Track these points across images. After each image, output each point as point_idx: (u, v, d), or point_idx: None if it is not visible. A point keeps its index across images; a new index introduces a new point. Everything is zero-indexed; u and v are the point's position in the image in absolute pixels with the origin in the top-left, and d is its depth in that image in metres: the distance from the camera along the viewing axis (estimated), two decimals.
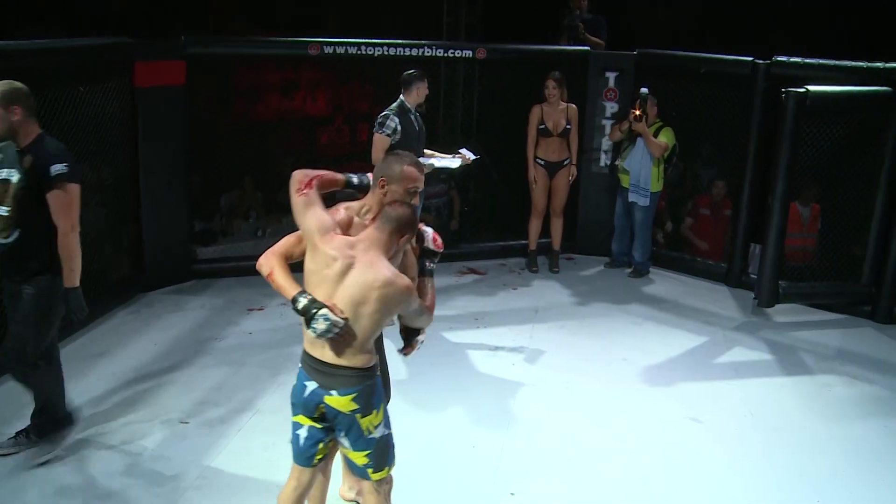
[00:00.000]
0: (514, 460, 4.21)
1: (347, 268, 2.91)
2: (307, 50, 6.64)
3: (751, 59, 6.58)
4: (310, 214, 3.01)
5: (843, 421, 4.78)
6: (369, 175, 3.24)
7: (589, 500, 3.91)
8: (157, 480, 3.89)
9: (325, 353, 2.96)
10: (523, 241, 7.38)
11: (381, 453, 3.12)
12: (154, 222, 6.24)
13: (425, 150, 6.02)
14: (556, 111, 6.89)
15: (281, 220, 8.01)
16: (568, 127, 6.90)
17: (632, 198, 6.98)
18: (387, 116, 5.70)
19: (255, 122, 8.13)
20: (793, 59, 6.34)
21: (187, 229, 6.58)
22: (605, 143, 7.46)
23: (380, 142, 5.65)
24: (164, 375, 4.97)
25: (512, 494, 3.92)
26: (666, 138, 6.84)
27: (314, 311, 2.86)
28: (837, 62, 6.16)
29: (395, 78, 6.09)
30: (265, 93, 8.53)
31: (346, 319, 2.89)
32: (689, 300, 6.69)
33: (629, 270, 7.24)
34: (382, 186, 3.10)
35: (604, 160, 7.49)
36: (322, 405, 3.01)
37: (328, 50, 6.67)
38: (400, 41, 6.91)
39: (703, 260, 7.31)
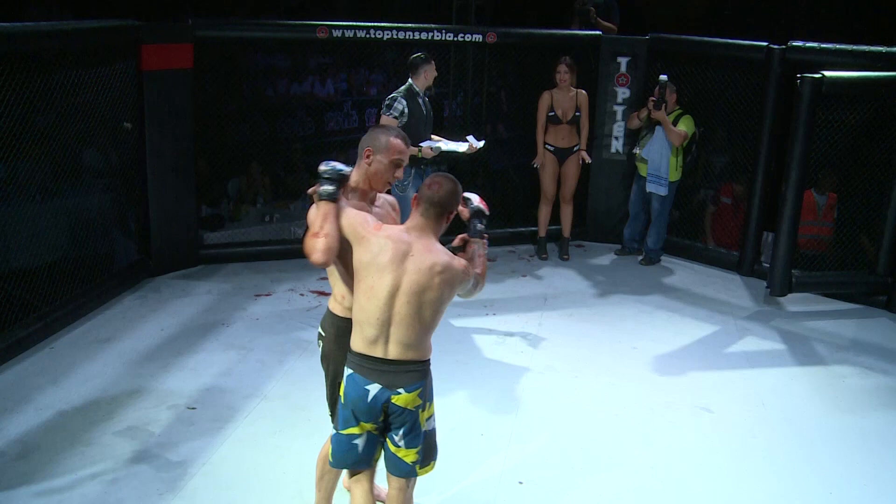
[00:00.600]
0: (523, 449, 4.20)
1: (405, 255, 2.90)
2: (316, 33, 6.60)
3: (765, 43, 6.51)
4: (344, 217, 2.97)
5: (856, 412, 4.75)
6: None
7: (598, 490, 3.90)
8: (164, 466, 3.89)
9: (389, 351, 2.91)
10: (533, 228, 7.35)
11: (430, 447, 3.11)
12: (161, 207, 6.23)
13: (433, 135, 6.02)
14: (566, 97, 6.84)
15: (289, 205, 8.02)
16: (577, 114, 6.85)
17: (650, 188, 6.92)
18: (394, 99, 5.77)
19: (262, 106, 8.11)
20: (808, 44, 6.27)
21: (194, 214, 6.57)
22: (617, 129, 7.41)
23: (386, 124, 5.65)
24: (171, 361, 4.97)
25: (520, 483, 3.91)
26: (686, 126, 6.78)
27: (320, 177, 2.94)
28: (854, 47, 6.07)
29: (405, 62, 6.07)
30: (273, 77, 8.51)
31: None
32: (701, 289, 6.65)
33: (640, 258, 7.21)
34: (368, 157, 3.08)
35: (615, 146, 7.44)
36: (387, 405, 2.94)
37: (337, 33, 6.63)
38: (409, 25, 6.87)
39: (715, 248, 7.27)
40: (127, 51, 5.82)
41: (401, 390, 2.92)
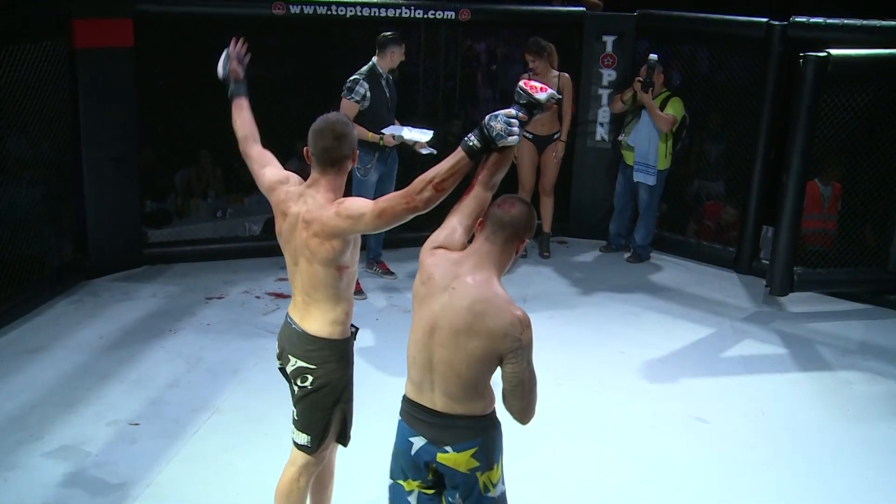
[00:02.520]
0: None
1: (446, 286, 2.60)
2: (272, 10, 6.56)
3: (765, 19, 6.54)
4: (444, 224, 2.76)
5: (864, 421, 4.78)
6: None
7: None
8: (101, 490, 3.83)
9: (436, 400, 2.64)
10: None
11: None
12: (99, 201, 6.15)
13: (396, 121, 6.02)
14: (547, 80, 6.83)
15: (243, 199, 7.96)
16: (560, 97, 6.84)
17: (637, 177, 6.93)
18: (356, 81, 5.81)
19: (213, 90, 8.02)
20: (813, 20, 6.29)
21: (137, 209, 6.51)
22: (602, 115, 7.42)
23: (347, 108, 5.77)
24: (111, 372, 4.91)
25: None
26: (674, 110, 6.80)
27: (495, 123, 2.68)
28: (864, 21, 6.11)
29: (372, 42, 6.05)
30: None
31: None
32: (695, 288, 6.68)
33: (628, 255, 7.23)
34: (353, 161, 3.07)
35: (600, 133, 7.45)
36: (433, 464, 2.69)
37: (295, 10, 6.60)
38: (375, 1, 6.84)
39: (709, 244, 7.30)
40: (56, 26, 5.74)
41: (448, 448, 2.64)
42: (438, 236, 2.73)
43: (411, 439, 2.70)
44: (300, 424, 3.21)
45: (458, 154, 2.74)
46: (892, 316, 6.26)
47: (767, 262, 6.39)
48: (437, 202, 2.79)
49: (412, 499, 2.77)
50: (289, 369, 3.18)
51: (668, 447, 4.43)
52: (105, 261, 6.28)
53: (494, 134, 2.67)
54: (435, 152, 5.87)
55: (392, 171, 6.18)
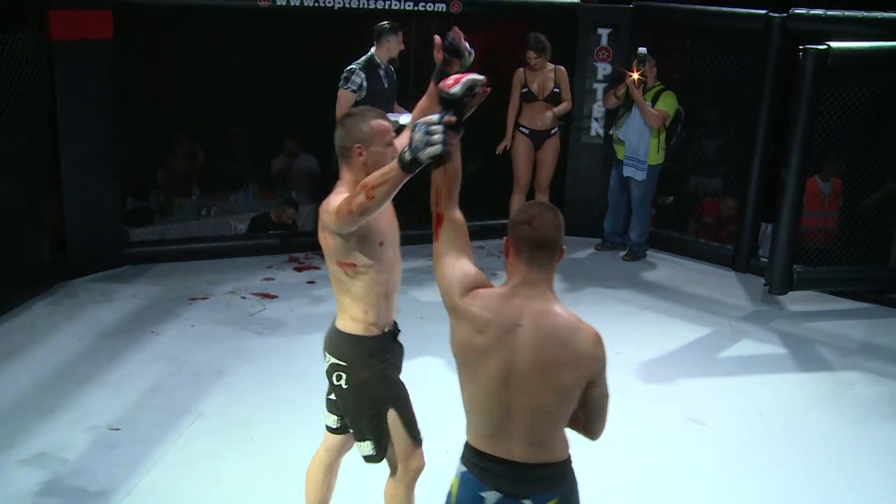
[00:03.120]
0: None
1: (511, 328, 2.39)
2: (256, 1, 6.53)
3: (764, 11, 6.53)
4: (444, 264, 2.53)
5: (865, 423, 4.77)
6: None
7: None
8: (79, 498, 3.79)
9: (514, 450, 2.44)
10: (504, 221, 7.30)
11: None
12: (78, 198, 6.11)
13: (398, 108, 6.11)
14: (543, 72, 6.82)
15: (228, 197, 7.94)
16: (556, 91, 6.83)
17: (627, 172, 6.93)
18: (352, 71, 5.93)
19: (196, 84, 7.99)
20: (813, 12, 6.29)
21: (118, 207, 6.48)
22: (597, 110, 7.41)
23: (344, 98, 5.89)
24: (91, 376, 4.87)
25: None
26: (666, 105, 6.78)
27: (415, 134, 2.50)
28: (864, 14, 6.11)
29: (359, 35, 6.05)
30: (208, 51, 8.38)
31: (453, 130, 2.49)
32: (692, 287, 6.68)
33: (623, 253, 7.22)
34: (360, 154, 2.99)
35: (595, 129, 7.44)
36: None
37: (281, 1, 6.56)
38: None
39: (707, 242, 7.29)
40: (32, 17, 5.69)
41: (527, 501, 2.46)
42: (462, 279, 2.50)
43: (483, 494, 2.48)
44: (357, 434, 3.20)
45: (393, 164, 2.66)
46: (894, 315, 6.26)
47: (766, 261, 6.39)
48: (369, 211, 2.76)
49: None
50: (325, 367, 3.22)
51: (664, 449, 4.42)
52: (84, 260, 6.24)
53: (413, 146, 2.50)
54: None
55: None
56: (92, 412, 4.48)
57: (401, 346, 3.26)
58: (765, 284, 6.25)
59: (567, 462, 2.53)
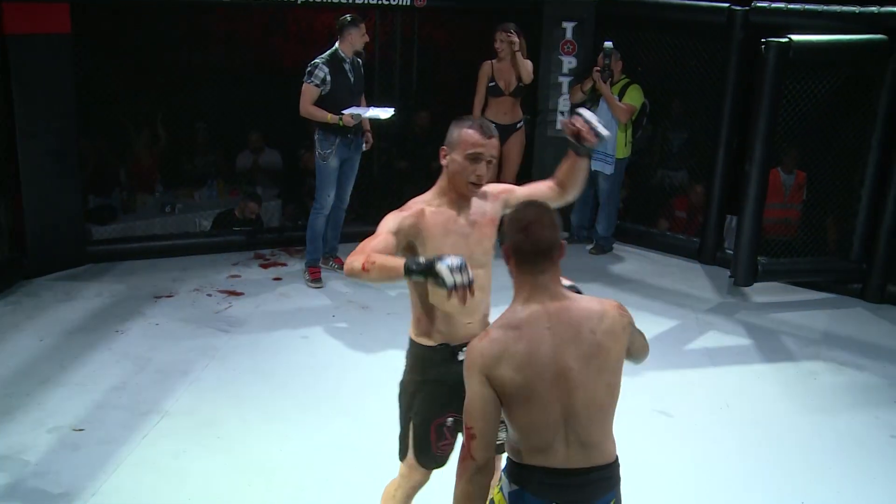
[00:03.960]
0: None
1: (543, 335, 2.41)
2: None
3: (727, 5, 6.58)
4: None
5: (829, 412, 4.83)
6: None
7: None
8: (41, 500, 3.74)
9: (571, 457, 2.42)
10: None
11: None
12: (37, 196, 6.03)
13: (365, 102, 6.09)
14: (509, 67, 6.82)
15: (193, 193, 7.87)
16: (521, 85, 6.84)
17: (595, 166, 6.95)
18: (316, 65, 5.92)
19: (159, 79, 7.92)
20: (774, 5, 6.35)
21: (79, 204, 6.39)
22: (563, 104, 7.42)
23: (307, 92, 5.91)
24: (52, 375, 4.81)
25: None
26: (633, 99, 6.83)
27: (433, 263, 2.51)
28: (825, 7, 6.17)
29: (324, 29, 6.03)
30: (172, 46, 8.30)
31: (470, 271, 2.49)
32: (658, 279, 6.72)
33: (590, 246, 7.25)
34: (443, 156, 2.97)
35: (560, 122, 7.45)
36: None
37: None
38: None
39: (673, 234, 7.35)
40: None
41: None
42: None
43: None
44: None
45: (399, 266, 2.61)
46: (855, 305, 6.35)
47: (731, 253, 6.45)
48: (360, 278, 2.70)
49: None
50: None
51: (631, 441, 4.39)
52: (45, 259, 6.16)
53: (440, 280, 2.52)
54: (392, 112, 6.05)
55: (354, 160, 6.22)
56: (55, 412, 4.43)
57: (458, 365, 2.81)
58: (730, 276, 6.31)
59: (616, 463, 2.54)
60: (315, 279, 6.26)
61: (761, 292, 6.41)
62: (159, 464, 4.05)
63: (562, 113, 7.40)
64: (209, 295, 6.04)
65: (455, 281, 2.48)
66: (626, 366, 5.40)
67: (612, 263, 7.04)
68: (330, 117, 5.88)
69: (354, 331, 5.56)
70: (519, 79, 6.82)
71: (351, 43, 5.97)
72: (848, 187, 6.38)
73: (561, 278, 2.54)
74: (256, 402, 4.63)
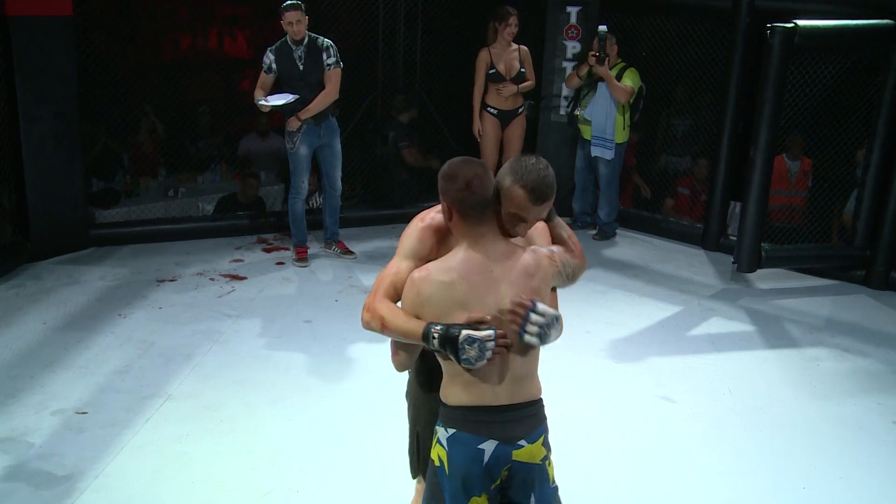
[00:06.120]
0: None
1: (486, 274, 2.54)
2: None
3: None
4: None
5: (832, 398, 4.83)
6: None
7: None
8: (46, 482, 3.75)
9: (501, 394, 2.55)
10: None
11: (555, 494, 2.72)
12: (40, 180, 6.04)
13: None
14: (507, 52, 6.80)
15: (196, 178, 7.86)
16: (522, 70, 6.82)
17: (595, 151, 6.95)
18: (265, 52, 6.04)
19: (161, 63, 7.90)
20: None
21: (82, 188, 6.39)
22: (566, 89, 7.40)
23: (260, 78, 6.05)
24: (56, 359, 4.82)
25: None
26: (630, 81, 6.80)
27: (455, 334, 2.46)
28: None
29: (324, 13, 5.99)
30: (173, 29, 8.29)
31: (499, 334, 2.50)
32: (661, 265, 6.71)
33: (593, 232, 7.24)
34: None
35: (564, 108, 7.44)
36: (508, 467, 2.57)
37: None
38: None
39: (676, 220, 7.33)
40: None
41: (523, 442, 2.56)
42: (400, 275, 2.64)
43: (481, 446, 2.54)
44: None
45: (418, 333, 2.52)
46: (859, 291, 6.34)
47: (735, 239, 6.44)
48: (375, 331, 2.64)
49: None
50: None
51: (634, 427, 4.45)
52: (48, 242, 6.17)
53: (463, 358, 2.47)
54: (293, 99, 5.95)
55: (332, 143, 6.23)
56: (58, 395, 4.44)
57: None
58: (733, 262, 6.30)
59: (542, 400, 2.66)
60: (300, 258, 6.36)
61: (764, 278, 6.41)
62: (162, 447, 4.05)
63: (566, 98, 7.37)
64: (212, 279, 6.04)
65: (475, 358, 2.47)
66: (629, 351, 5.45)
67: (616, 249, 7.03)
68: (257, 102, 6.00)
69: (357, 315, 5.48)
70: (521, 65, 6.79)
71: (288, 28, 5.91)
72: (853, 173, 6.37)
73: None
74: (259, 385, 4.64)
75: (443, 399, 2.62)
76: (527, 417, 2.59)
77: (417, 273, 2.56)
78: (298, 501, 3.72)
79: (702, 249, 7.02)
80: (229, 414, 4.36)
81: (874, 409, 4.73)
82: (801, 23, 5.67)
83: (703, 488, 3.97)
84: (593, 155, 6.97)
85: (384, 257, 6.56)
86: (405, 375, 3.08)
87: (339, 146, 6.25)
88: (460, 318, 2.49)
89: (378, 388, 4.62)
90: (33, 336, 5.08)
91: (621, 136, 6.89)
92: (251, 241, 6.82)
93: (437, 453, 2.62)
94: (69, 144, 6.12)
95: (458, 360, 2.47)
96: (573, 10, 7.31)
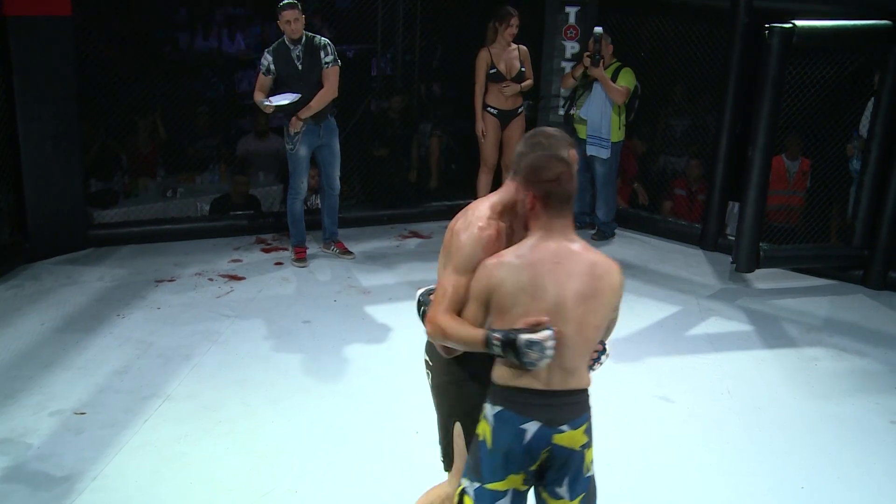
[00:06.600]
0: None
1: (555, 265, 2.63)
2: None
3: None
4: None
5: (831, 398, 4.83)
6: None
7: None
8: (44, 483, 3.74)
9: (552, 379, 2.64)
10: (472, 201, 7.29)
11: (591, 497, 2.82)
12: (39, 180, 6.03)
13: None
14: (507, 52, 6.80)
15: (194, 178, 7.85)
16: (522, 70, 6.82)
17: (590, 150, 6.94)
18: (263, 54, 6.02)
19: (160, 63, 7.89)
20: None
21: (80, 188, 6.37)
22: (565, 90, 7.40)
23: (258, 79, 6.04)
24: (55, 359, 4.81)
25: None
26: (626, 81, 6.80)
27: (515, 338, 2.55)
28: None
29: (328, 11, 5.98)
30: (172, 29, 8.29)
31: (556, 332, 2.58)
32: (660, 265, 6.71)
33: (592, 232, 7.24)
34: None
35: (561, 108, 7.43)
36: (548, 449, 2.67)
37: None
38: None
39: (675, 220, 7.33)
40: None
41: (565, 427, 2.66)
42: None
43: (523, 426, 2.64)
44: (439, 434, 3.06)
45: (479, 340, 2.61)
46: (857, 291, 6.34)
47: (733, 238, 6.44)
48: (438, 342, 2.75)
49: (505, 501, 2.70)
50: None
51: (633, 427, 4.44)
52: (46, 243, 6.15)
53: (526, 361, 2.55)
54: (296, 98, 5.93)
55: (331, 143, 6.21)
56: (57, 396, 4.43)
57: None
58: (732, 262, 6.29)
59: (588, 390, 2.75)
60: (299, 259, 6.36)
61: (763, 278, 6.41)
62: (161, 447, 4.05)
63: (564, 98, 7.37)
64: (211, 279, 6.03)
65: (537, 359, 2.56)
66: (627, 352, 5.44)
67: (614, 249, 7.03)
68: (260, 104, 5.99)
69: (356, 315, 5.55)
70: (521, 64, 6.80)
71: (285, 28, 5.90)
72: (849, 173, 6.38)
73: None
74: (258, 386, 4.63)
75: (493, 379, 2.71)
76: (572, 404, 2.69)
77: (490, 260, 2.64)
78: (298, 502, 3.71)
79: (700, 249, 7.02)
80: (228, 414, 4.35)
81: (872, 408, 4.73)
82: (799, 23, 5.67)
83: (702, 488, 3.98)
84: (588, 154, 6.97)
85: (383, 258, 6.57)
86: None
87: (337, 146, 6.25)
88: (527, 305, 2.59)
89: (377, 387, 4.62)
90: (32, 336, 5.07)
91: (617, 134, 6.89)
92: (250, 241, 6.81)
93: (482, 428, 2.73)
94: (68, 145, 6.11)
95: (522, 364, 2.57)
96: (572, 11, 7.31)
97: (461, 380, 2.90)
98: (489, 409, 2.70)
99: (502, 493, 2.70)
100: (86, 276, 5.98)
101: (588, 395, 2.74)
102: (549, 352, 2.55)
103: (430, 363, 2.99)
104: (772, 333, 5.62)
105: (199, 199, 7.53)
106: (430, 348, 2.98)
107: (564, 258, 2.63)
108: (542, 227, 2.65)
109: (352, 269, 6.31)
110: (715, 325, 5.71)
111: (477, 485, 2.71)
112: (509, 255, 2.64)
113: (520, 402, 2.65)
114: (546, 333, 2.55)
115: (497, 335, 2.57)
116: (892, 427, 4.56)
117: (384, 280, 6.10)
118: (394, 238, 7.05)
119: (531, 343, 2.53)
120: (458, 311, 2.69)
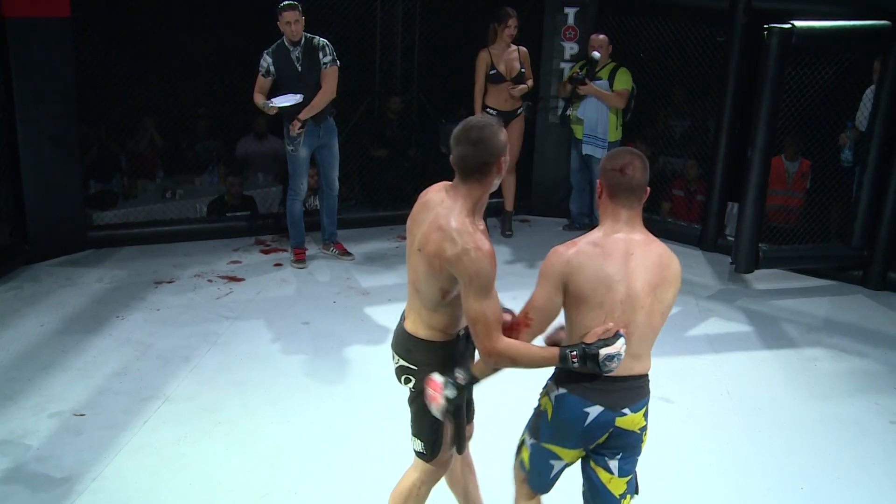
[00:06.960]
0: None
1: (627, 257, 2.76)
2: None
3: None
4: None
5: (830, 399, 4.83)
6: None
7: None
8: (43, 485, 3.75)
9: (619, 366, 2.75)
10: None
11: (635, 477, 2.99)
12: (38, 181, 6.03)
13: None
14: (507, 53, 6.80)
15: (194, 179, 7.85)
16: (522, 70, 6.82)
17: (587, 150, 6.95)
18: (262, 55, 5.99)
19: (160, 63, 7.87)
20: None
21: (80, 190, 6.38)
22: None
23: (257, 80, 6.02)
24: (54, 361, 4.81)
25: None
26: (624, 82, 6.80)
27: (594, 352, 2.68)
28: None
29: (327, 13, 5.97)
30: (171, 28, 8.26)
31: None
32: None
33: None
34: (502, 167, 2.86)
35: (560, 110, 7.44)
36: (610, 431, 2.82)
37: None
38: None
39: (674, 221, 7.33)
40: None
41: (626, 410, 2.80)
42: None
43: (587, 409, 2.77)
44: (413, 429, 3.12)
45: (555, 359, 2.77)
46: (856, 292, 6.35)
47: (732, 239, 6.44)
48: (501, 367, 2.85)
49: (558, 465, 2.92)
50: (394, 366, 3.09)
51: None
52: (46, 244, 6.15)
53: (605, 370, 2.71)
54: (300, 99, 5.93)
55: (331, 144, 6.22)
56: (56, 397, 4.43)
57: (472, 346, 2.98)
58: (731, 263, 6.29)
59: (648, 375, 2.87)
60: (298, 260, 6.36)
61: (762, 279, 6.41)
62: (161, 449, 4.05)
63: (563, 99, 7.37)
64: (210, 281, 6.03)
65: (616, 367, 2.71)
66: None
67: None
68: (262, 105, 5.98)
69: (355, 317, 5.55)
70: (521, 65, 6.79)
71: (284, 29, 5.90)
72: (849, 173, 6.38)
73: None
74: (257, 387, 4.63)
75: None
76: (634, 388, 2.80)
77: (564, 248, 2.75)
78: (297, 502, 3.72)
79: (699, 250, 7.02)
80: (228, 415, 4.35)
81: (872, 408, 4.74)
82: (798, 24, 5.67)
83: (702, 488, 3.98)
84: (585, 153, 6.97)
85: (382, 258, 6.57)
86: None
87: (337, 147, 6.25)
88: (603, 296, 2.69)
89: (376, 388, 4.61)
90: (31, 338, 5.07)
91: (614, 134, 6.89)
92: (249, 242, 6.81)
93: (545, 403, 2.89)
94: (67, 146, 6.11)
95: (601, 373, 2.70)
96: (571, 12, 7.31)
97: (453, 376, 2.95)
98: (552, 389, 2.86)
99: (557, 459, 2.90)
100: (85, 277, 5.97)
101: (648, 380, 2.86)
102: (623, 355, 2.68)
103: (414, 369, 3.00)
104: (771, 334, 5.62)
105: (199, 200, 7.52)
106: (409, 356, 3.01)
107: (635, 249, 2.73)
108: (610, 216, 2.77)
109: (351, 270, 6.31)
110: (714, 325, 5.71)
111: (533, 441, 2.94)
112: (583, 243, 2.75)
113: (584, 386, 2.77)
114: (620, 343, 2.68)
115: (574, 352, 2.70)
116: (891, 427, 4.56)
117: (383, 281, 6.10)
118: (393, 239, 7.04)
119: (611, 357, 2.67)
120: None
